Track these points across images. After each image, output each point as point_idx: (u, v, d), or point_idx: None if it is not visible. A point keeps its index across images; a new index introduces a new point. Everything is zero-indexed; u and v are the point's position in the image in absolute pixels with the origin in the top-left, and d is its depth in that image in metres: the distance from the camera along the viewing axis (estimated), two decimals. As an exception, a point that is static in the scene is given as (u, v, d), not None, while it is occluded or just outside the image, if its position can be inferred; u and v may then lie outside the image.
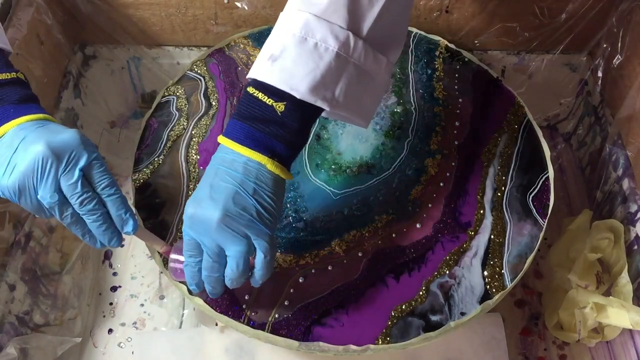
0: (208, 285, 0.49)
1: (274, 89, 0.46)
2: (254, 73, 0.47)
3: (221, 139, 0.48)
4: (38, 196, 0.46)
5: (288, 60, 0.46)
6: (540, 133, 0.65)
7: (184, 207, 0.60)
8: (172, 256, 0.52)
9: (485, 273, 0.56)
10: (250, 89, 0.47)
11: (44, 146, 0.45)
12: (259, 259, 0.48)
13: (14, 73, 0.50)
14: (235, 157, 0.46)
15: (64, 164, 0.46)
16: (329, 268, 0.56)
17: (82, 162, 0.47)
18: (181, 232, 0.58)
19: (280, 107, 0.46)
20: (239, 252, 0.46)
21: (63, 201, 0.47)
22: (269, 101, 0.46)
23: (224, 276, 0.48)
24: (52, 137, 0.46)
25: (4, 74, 0.49)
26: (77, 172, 0.46)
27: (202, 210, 0.46)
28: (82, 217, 0.48)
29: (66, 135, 0.47)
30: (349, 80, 0.47)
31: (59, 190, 0.46)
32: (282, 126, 0.46)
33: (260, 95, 0.46)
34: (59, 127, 0.48)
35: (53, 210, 0.47)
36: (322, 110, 0.48)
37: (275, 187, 0.47)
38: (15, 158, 0.45)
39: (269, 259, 0.48)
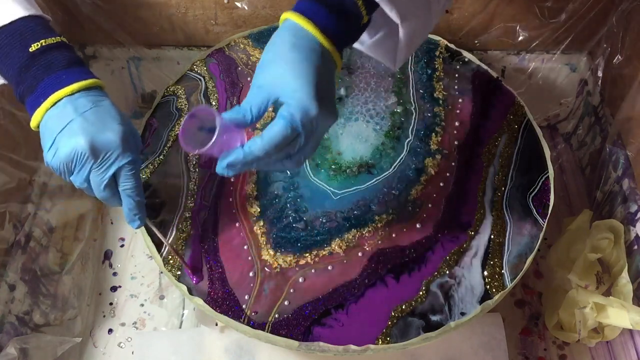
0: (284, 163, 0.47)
1: None
2: None
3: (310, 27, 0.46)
4: (70, 178, 0.49)
5: None
6: (540, 133, 0.65)
7: (184, 207, 0.60)
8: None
9: (485, 273, 0.56)
10: None
11: (84, 142, 0.47)
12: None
13: (58, 37, 0.50)
14: (316, 45, 0.45)
15: (98, 162, 0.48)
16: (329, 268, 0.56)
17: (114, 167, 0.48)
18: (180, 232, 0.58)
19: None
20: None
21: (90, 187, 0.50)
22: None
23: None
24: (96, 134, 0.47)
25: (50, 39, 0.49)
26: (106, 175, 0.48)
27: (324, 110, 0.44)
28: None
29: (110, 135, 0.48)
30: None
31: (87, 180, 0.49)
32: (355, 21, 0.46)
33: None
34: (107, 114, 0.49)
35: (83, 190, 0.50)
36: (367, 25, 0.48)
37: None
38: (58, 141, 0.47)
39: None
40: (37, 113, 0.48)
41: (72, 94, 0.48)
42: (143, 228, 0.58)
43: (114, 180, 0.49)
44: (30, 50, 0.48)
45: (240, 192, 0.61)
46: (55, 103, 0.48)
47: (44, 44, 0.49)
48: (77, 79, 0.49)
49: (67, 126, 0.47)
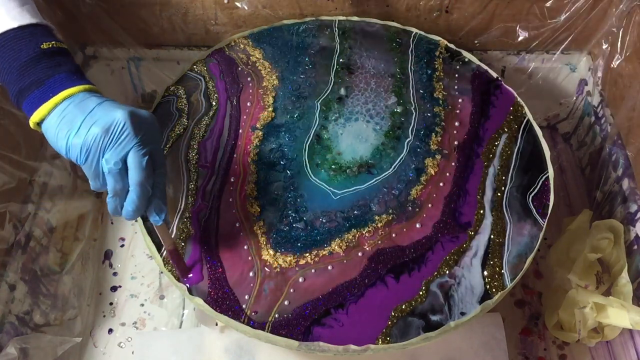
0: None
1: None
2: None
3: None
4: (103, 158, 0.46)
5: None
6: (540, 133, 0.65)
7: (184, 207, 0.60)
8: None
9: (485, 273, 0.56)
10: None
11: (128, 113, 0.46)
12: None
13: (65, 45, 0.51)
14: None
15: (139, 138, 0.46)
16: (329, 268, 0.56)
17: (154, 144, 0.48)
18: (180, 232, 0.58)
19: None
20: None
21: (122, 171, 0.47)
22: None
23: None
24: (135, 110, 0.47)
25: (60, 43, 0.50)
26: (147, 151, 0.47)
27: None
28: (125, 190, 0.48)
29: (145, 113, 0.48)
30: None
31: (123, 160, 0.46)
32: None
33: None
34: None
35: (109, 176, 0.47)
36: None
37: None
38: (92, 117, 0.46)
39: None
40: (43, 107, 0.47)
41: (89, 90, 0.49)
42: (143, 228, 0.58)
43: (150, 160, 0.48)
44: (41, 47, 0.49)
45: (240, 192, 0.61)
46: (74, 95, 0.47)
47: (55, 45, 0.49)
48: (86, 82, 0.50)
49: (99, 106, 0.46)
